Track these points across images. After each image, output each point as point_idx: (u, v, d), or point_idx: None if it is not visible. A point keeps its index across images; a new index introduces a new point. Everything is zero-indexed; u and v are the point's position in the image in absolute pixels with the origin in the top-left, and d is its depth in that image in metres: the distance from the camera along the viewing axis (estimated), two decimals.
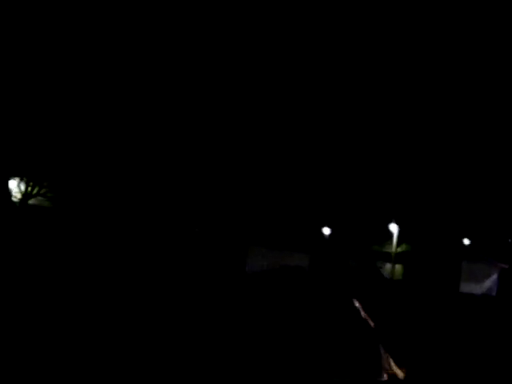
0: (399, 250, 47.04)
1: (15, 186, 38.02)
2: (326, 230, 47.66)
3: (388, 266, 46.74)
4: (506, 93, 45.51)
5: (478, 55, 45.58)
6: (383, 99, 46.69)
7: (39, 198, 38.81)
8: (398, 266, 46.99)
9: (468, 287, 42.87)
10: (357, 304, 6.18)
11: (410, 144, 47.22)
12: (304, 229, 46.66)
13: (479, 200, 47.44)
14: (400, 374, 7.41)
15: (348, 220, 47.91)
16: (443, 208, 46.87)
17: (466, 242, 48.43)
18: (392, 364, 7.22)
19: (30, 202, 38.55)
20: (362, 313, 6.38)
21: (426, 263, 44.43)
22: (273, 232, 45.64)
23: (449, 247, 46.01)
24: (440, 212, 46.72)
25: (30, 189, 38.09)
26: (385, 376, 7.19)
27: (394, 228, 46.94)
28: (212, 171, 44.91)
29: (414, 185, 47.72)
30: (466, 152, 47.03)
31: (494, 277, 42.91)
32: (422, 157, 47.02)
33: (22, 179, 38.04)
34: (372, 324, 6.72)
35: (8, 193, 37.52)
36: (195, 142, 44.00)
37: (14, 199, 37.85)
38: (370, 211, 47.76)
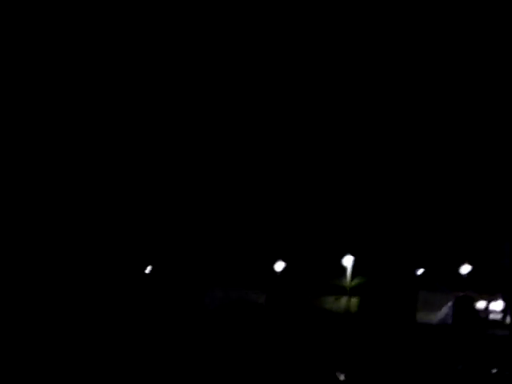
0: (354, 282, 47.19)
1: None
2: (280, 265, 47.57)
3: (344, 299, 46.80)
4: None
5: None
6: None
7: None
8: (354, 299, 47.08)
9: (425, 316, 43.07)
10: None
11: (359, 176, 47.62)
12: (258, 265, 46.58)
13: (430, 229, 47.94)
14: None
15: (302, 254, 47.99)
16: (396, 239, 47.26)
17: (420, 271, 48.83)
18: None
19: None
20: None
21: (382, 294, 44.58)
22: (228, 271, 45.44)
23: (404, 277, 46.30)
24: (393, 243, 47.08)
25: None
26: None
27: (348, 261, 47.16)
28: (167, 209, 44.62)
29: (365, 217, 48.07)
30: (415, 182, 47.59)
31: (450, 304, 43.18)
32: (370, 188, 47.43)
33: None
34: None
35: None
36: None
37: None
38: (323, 245, 47.94)
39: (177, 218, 45.59)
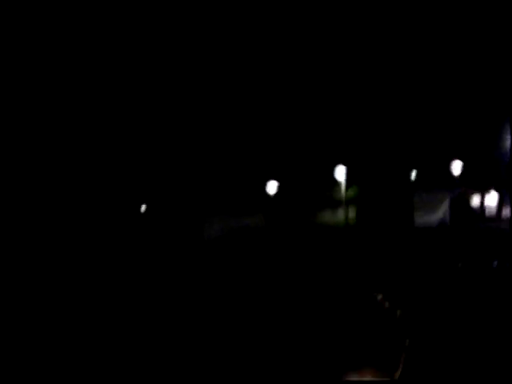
0: (349, 193, 47.29)
1: None
2: (272, 186, 47.52)
3: (340, 211, 47.00)
4: None
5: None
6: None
7: None
8: (351, 210, 47.31)
9: (424, 218, 43.35)
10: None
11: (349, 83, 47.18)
12: (253, 188, 46.53)
13: (419, 128, 47.78)
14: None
15: (293, 171, 47.90)
16: (386, 143, 47.13)
17: (414, 173, 48.93)
18: None
19: None
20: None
21: (378, 202, 44.82)
22: (222, 199, 45.44)
23: (398, 181, 46.42)
24: (383, 148, 46.97)
25: None
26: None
27: (340, 172, 47.11)
28: (163, 143, 44.36)
29: (353, 124, 47.79)
30: (401, 82, 47.18)
31: (446, 204, 43.48)
32: (360, 92, 47.05)
33: None
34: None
35: None
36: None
37: None
38: (312, 159, 47.80)
39: (164, 149, 45.34)
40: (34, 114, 38.18)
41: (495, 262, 32.84)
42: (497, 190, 46.99)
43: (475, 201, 45.97)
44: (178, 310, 11.87)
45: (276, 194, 46.76)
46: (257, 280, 19.24)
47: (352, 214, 46.74)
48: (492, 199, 47.63)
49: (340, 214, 46.73)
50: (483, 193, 47.17)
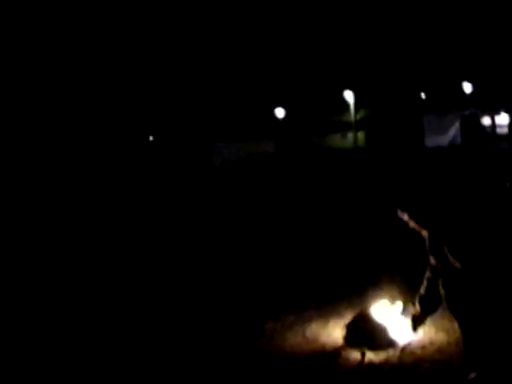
0: (358, 116, 46.90)
1: None
2: (280, 111, 47.11)
3: (350, 134, 46.73)
4: None
5: None
6: None
7: None
8: (361, 134, 47.01)
9: (434, 140, 42.94)
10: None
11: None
12: (262, 114, 46.15)
13: (428, 50, 47.02)
14: None
15: (301, 96, 47.41)
16: (395, 65, 46.44)
17: (423, 95, 48.44)
18: None
19: None
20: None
21: (388, 124, 44.40)
22: (232, 125, 45.13)
23: (407, 104, 45.92)
24: (392, 69, 46.30)
25: None
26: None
27: (349, 95, 46.59)
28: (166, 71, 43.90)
29: (361, 46, 47.02)
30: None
31: (457, 125, 43.04)
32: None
33: None
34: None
35: None
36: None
37: None
38: (321, 83, 47.22)
39: (172, 74, 44.81)
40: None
41: (508, 183, 32.64)
42: (507, 111, 46.46)
43: (486, 120, 45.51)
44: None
45: (285, 119, 46.43)
46: (267, 203, 18.97)
47: (361, 137, 46.49)
48: (503, 119, 47.14)
49: (349, 138, 46.46)
50: (493, 114, 46.68)
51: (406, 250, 8.93)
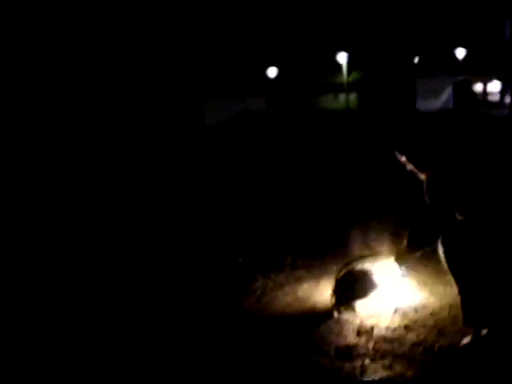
0: (351, 78, 46.67)
1: None
2: (272, 71, 46.81)
3: (342, 96, 46.55)
4: None
5: None
6: None
7: None
8: (353, 95, 46.81)
9: (426, 104, 42.79)
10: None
11: None
12: (254, 72, 45.82)
13: (422, 12, 46.66)
14: None
15: (294, 56, 47.05)
16: (388, 27, 46.07)
17: (416, 59, 48.17)
18: None
19: None
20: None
21: (380, 87, 44.17)
22: (224, 81, 44.74)
23: (400, 67, 45.64)
24: (386, 32, 45.93)
25: None
26: None
27: (342, 57, 46.32)
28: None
29: (356, 9, 46.58)
30: None
31: (449, 90, 42.88)
32: None
33: None
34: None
35: None
36: None
37: None
38: (315, 44, 46.85)
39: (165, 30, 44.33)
40: None
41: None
42: (499, 78, 46.40)
43: (478, 87, 45.44)
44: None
45: (277, 78, 46.13)
46: (260, 161, 18.86)
47: (353, 98, 46.28)
48: (495, 86, 47.10)
49: (341, 99, 46.29)
50: (486, 80, 46.61)
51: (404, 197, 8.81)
